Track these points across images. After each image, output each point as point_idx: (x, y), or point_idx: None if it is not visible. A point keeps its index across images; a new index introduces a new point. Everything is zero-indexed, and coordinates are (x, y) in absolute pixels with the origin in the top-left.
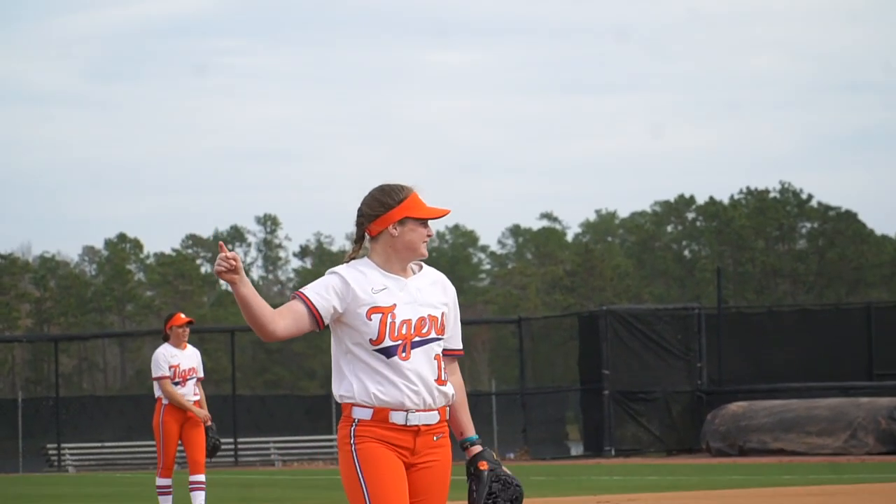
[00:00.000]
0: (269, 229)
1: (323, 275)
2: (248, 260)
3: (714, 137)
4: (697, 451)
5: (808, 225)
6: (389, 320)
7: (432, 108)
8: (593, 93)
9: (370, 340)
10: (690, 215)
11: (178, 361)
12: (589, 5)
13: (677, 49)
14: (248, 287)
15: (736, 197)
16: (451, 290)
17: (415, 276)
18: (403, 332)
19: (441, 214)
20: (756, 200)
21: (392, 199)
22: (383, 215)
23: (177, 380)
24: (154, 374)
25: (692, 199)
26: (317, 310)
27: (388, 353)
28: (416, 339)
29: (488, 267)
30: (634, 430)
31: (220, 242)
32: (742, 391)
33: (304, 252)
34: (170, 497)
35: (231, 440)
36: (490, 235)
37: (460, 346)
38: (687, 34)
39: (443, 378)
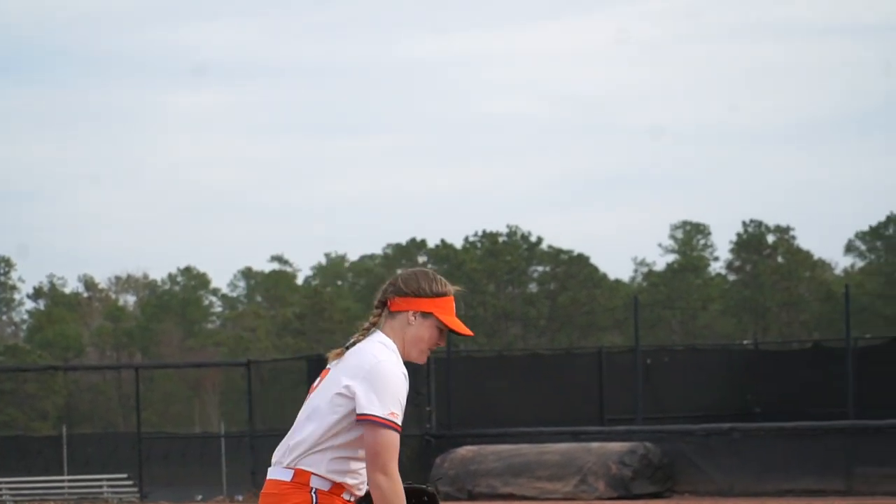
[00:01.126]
0: (2, 270)
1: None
2: None
3: (448, 180)
4: None
5: (540, 268)
6: None
7: (168, 149)
8: (327, 135)
9: None
10: (422, 258)
11: None
12: (329, 48)
13: (414, 91)
14: None
15: (471, 240)
16: None
17: None
18: None
19: (464, 332)
20: (489, 243)
21: (430, 288)
22: (412, 298)
23: None
24: None
25: (423, 242)
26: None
27: None
28: None
29: (219, 309)
30: None
31: None
32: (472, 435)
33: (37, 293)
34: None
35: None
36: (222, 278)
37: None
38: (426, 76)
39: None
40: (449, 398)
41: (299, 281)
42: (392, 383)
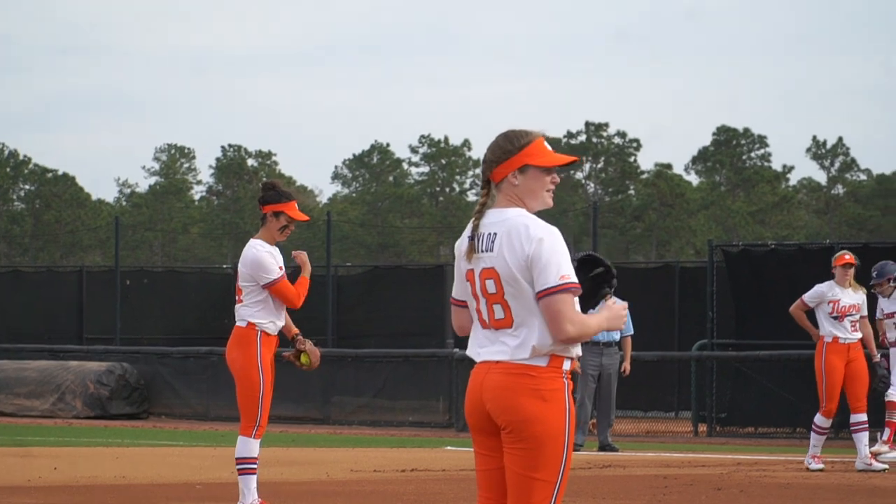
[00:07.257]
0: None
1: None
2: None
3: None
4: None
5: (26, 187)
6: None
7: None
8: None
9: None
10: None
11: None
12: None
13: None
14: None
15: None
16: None
17: None
18: None
19: (563, 162)
20: None
21: (513, 145)
22: (504, 161)
23: None
24: None
25: None
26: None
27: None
28: None
29: None
30: None
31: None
32: None
33: None
34: None
35: None
36: None
37: None
38: None
39: None
40: None
41: None
42: (564, 253)
